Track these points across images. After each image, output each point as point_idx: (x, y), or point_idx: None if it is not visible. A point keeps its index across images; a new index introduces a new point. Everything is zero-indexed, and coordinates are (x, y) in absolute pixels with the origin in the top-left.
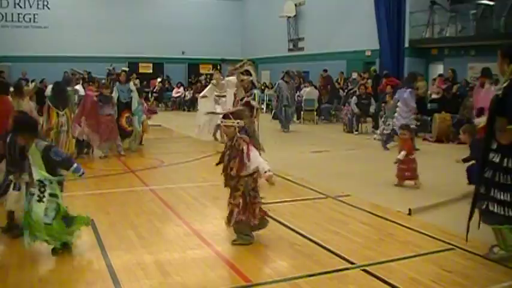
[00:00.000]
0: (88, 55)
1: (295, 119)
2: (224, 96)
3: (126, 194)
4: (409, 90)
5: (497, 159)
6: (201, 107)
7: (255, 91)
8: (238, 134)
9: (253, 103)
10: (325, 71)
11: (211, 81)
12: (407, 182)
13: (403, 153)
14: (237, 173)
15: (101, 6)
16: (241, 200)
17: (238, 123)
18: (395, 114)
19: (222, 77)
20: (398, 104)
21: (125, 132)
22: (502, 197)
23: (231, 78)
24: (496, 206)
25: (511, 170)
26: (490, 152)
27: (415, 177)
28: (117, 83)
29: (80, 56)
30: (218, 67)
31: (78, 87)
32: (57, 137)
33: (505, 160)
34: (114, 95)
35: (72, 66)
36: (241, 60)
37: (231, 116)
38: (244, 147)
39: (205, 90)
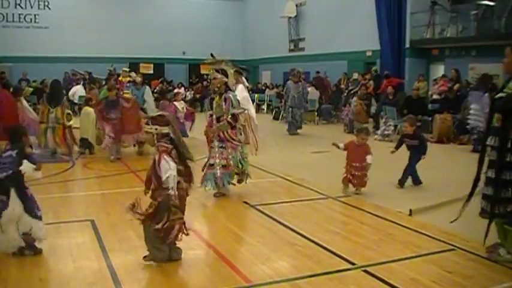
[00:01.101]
0: (89, 55)
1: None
2: None
3: (127, 195)
4: (486, 94)
5: None
6: None
7: (231, 95)
8: (157, 141)
9: (235, 111)
10: (317, 72)
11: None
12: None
13: (370, 156)
14: (156, 185)
15: (101, 7)
16: (152, 211)
17: (156, 129)
18: (472, 116)
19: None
20: (473, 106)
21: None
22: None
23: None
24: None
25: None
26: (507, 152)
27: (364, 184)
28: (132, 86)
29: (81, 56)
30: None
31: (79, 87)
32: (45, 132)
33: None
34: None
35: (73, 67)
36: (241, 62)
37: (150, 122)
38: (157, 156)
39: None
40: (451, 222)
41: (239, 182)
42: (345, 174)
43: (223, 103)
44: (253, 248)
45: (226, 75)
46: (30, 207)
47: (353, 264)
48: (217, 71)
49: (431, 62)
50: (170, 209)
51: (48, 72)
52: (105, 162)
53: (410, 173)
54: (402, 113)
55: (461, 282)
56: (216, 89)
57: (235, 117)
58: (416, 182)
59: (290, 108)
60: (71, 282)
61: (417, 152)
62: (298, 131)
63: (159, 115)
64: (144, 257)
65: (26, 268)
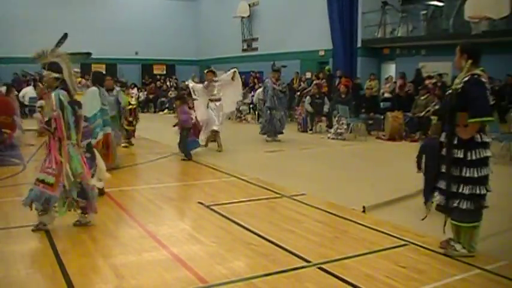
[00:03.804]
0: None
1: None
2: (219, 100)
3: None
4: None
5: (461, 155)
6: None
7: (53, 94)
8: None
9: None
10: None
11: (203, 84)
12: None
13: None
14: None
15: (51, 7)
16: None
17: None
18: None
19: (215, 79)
20: None
21: None
22: (468, 191)
23: (223, 76)
24: (466, 203)
25: (475, 162)
26: (454, 148)
27: None
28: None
29: (31, 56)
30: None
31: (29, 88)
32: None
33: (469, 154)
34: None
35: (23, 68)
36: (194, 61)
37: None
38: None
39: (195, 93)
40: (422, 219)
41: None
42: None
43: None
44: (209, 248)
45: (59, 70)
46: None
47: (308, 262)
48: (44, 67)
49: (382, 61)
50: None
51: None
52: None
53: None
54: (357, 111)
55: (414, 277)
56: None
57: (49, 122)
58: None
59: (268, 110)
60: (23, 287)
61: None
62: (279, 136)
63: None
64: None
65: None
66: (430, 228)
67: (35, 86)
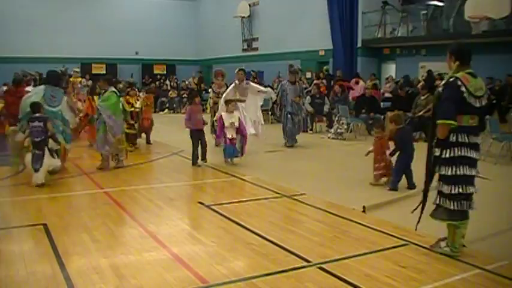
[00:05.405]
0: (40, 56)
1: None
2: (243, 101)
3: (80, 197)
4: None
5: (438, 153)
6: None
7: None
8: None
9: None
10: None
11: (235, 82)
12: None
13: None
14: None
15: (52, 6)
16: None
17: None
18: None
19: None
20: None
21: None
22: (446, 190)
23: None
24: (442, 200)
25: (449, 160)
26: (434, 147)
27: (388, 175)
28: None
29: (32, 57)
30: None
31: (30, 88)
32: None
33: (443, 152)
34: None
35: (24, 67)
36: (194, 61)
37: None
38: None
39: (227, 92)
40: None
41: None
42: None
43: None
44: (209, 249)
45: None
46: None
47: (308, 261)
48: None
49: (382, 61)
50: None
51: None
52: None
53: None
54: (358, 111)
55: (414, 277)
56: None
57: None
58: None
59: (289, 115)
60: None
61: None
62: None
63: None
64: None
65: None
66: (430, 228)
67: (35, 86)
